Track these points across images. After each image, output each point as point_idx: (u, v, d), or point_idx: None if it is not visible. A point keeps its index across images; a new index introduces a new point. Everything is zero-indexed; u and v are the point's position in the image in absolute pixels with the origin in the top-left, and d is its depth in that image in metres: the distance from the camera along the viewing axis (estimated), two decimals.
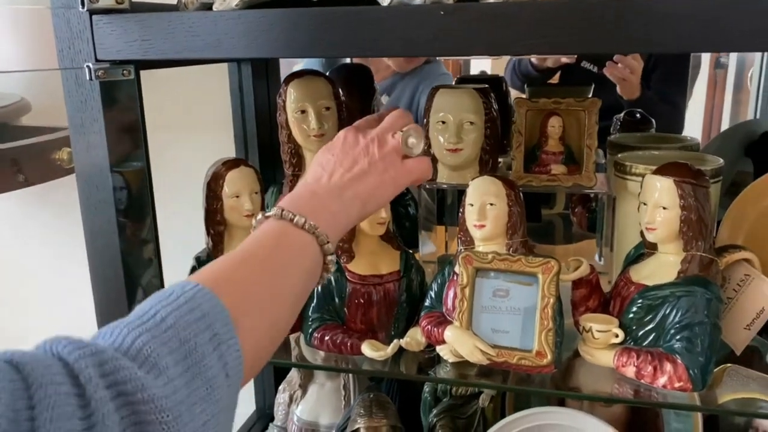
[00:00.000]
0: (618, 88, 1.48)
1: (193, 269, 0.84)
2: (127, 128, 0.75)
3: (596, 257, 1.10)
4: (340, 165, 0.63)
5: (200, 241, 0.87)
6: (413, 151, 0.66)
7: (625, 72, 1.43)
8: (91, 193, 0.74)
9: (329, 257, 0.59)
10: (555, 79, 1.64)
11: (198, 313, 0.45)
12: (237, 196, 0.81)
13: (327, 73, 1.11)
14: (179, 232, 0.96)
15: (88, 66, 0.69)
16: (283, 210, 0.57)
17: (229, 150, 1.11)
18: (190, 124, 1.19)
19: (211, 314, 0.46)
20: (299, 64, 1.48)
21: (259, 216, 0.59)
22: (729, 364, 0.79)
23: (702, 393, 0.71)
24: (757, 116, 1.48)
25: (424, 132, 0.70)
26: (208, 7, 0.72)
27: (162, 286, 0.85)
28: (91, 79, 0.70)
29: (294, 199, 0.60)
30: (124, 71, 0.71)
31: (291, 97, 0.92)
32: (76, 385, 0.37)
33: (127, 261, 0.76)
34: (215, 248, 0.84)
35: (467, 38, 0.59)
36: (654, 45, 0.57)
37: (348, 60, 1.42)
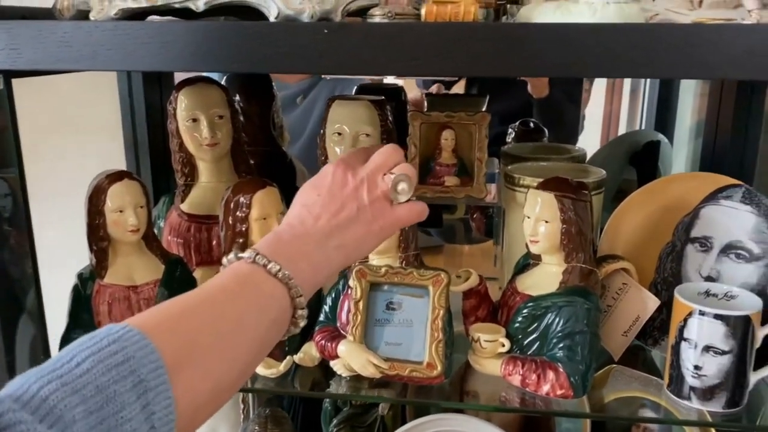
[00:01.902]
0: (528, 86, 1.52)
1: (75, 288, 0.80)
2: None
3: (493, 262, 1.14)
4: (327, 209, 0.57)
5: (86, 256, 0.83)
6: (400, 198, 0.60)
7: None
8: None
9: (300, 311, 0.54)
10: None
11: (121, 356, 0.40)
12: (121, 211, 0.78)
13: (224, 78, 1.09)
14: (62, 246, 0.92)
15: None
16: (257, 253, 0.52)
17: (119, 157, 1.06)
18: (78, 129, 1.14)
19: (137, 358, 0.41)
20: None
21: (231, 255, 0.53)
22: (614, 365, 0.84)
23: (589, 393, 0.75)
24: (643, 126, 1.56)
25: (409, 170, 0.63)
26: (85, 14, 0.69)
27: (40, 304, 0.81)
28: None
29: (272, 241, 0.55)
30: None
31: (182, 105, 0.90)
32: None
33: None
34: (99, 265, 0.80)
35: (351, 58, 0.59)
36: (534, 70, 0.58)
37: None
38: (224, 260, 0.54)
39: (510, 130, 1.25)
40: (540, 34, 0.56)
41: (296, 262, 0.53)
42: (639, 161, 1.18)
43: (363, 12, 0.66)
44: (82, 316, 0.80)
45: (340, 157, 0.64)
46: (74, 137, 1.13)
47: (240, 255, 0.53)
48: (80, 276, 0.81)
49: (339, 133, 0.91)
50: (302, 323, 0.55)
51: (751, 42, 0.53)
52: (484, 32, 0.57)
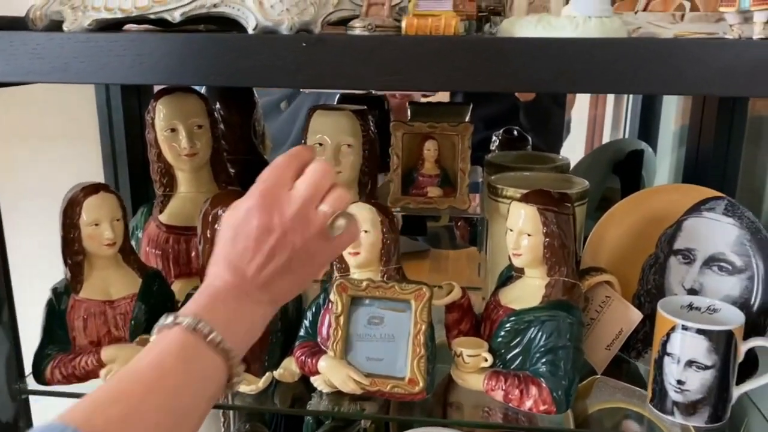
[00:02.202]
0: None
1: (50, 303, 0.78)
2: None
3: (477, 269, 1.13)
4: (254, 262, 0.51)
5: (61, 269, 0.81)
6: (337, 233, 0.54)
7: None
8: None
9: (236, 379, 0.51)
10: None
11: None
12: (96, 224, 0.76)
13: (204, 87, 1.07)
14: (37, 259, 0.90)
15: None
16: (198, 322, 0.48)
17: (96, 167, 1.04)
18: (54, 139, 1.11)
19: None
20: None
21: (168, 320, 0.49)
22: (598, 376, 0.83)
23: (573, 404, 0.74)
24: (626, 135, 1.57)
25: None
26: (59, 24, 0.67)
27: (13, 318, 0.79)
28: None
29: (210, 300, 0.51)
30: None
31: (160, 115, 0.88)
32: None
33: None
34: (74, 279, 0.78)
35: (330, 71, 0.58)
36: (516, 85, 0.58)
37: None
38: (160, 322, 0.50)
39: (494, 138, 1.24)
40: (522, 49, 0.55)
41: (234, 327, 0.50)
42: (623, 170, 1.18)
43: (343, 23, 0.65)
44: (57, 332, 0.79)
45: (260, 187, 0.53)
46: (50, 147, 1.11)
47: (178, 320, 0.49)
48: (54, 290, 0.79)
49: (320, 144, 0.90)
50: (237, 388, 0.52)
51: (735, 58, 0.53)
52: (466, 46, 0.56)
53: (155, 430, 0.44)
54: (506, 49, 0.56)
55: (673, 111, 1.36)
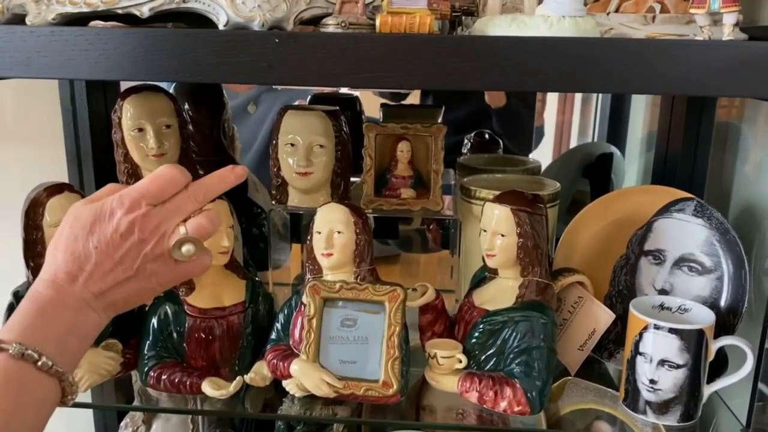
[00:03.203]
0: (486, 96, 1.52)
1: (11, 307, 0.76)
2: None
3: (450, 272, 1.12)
4: (101, 265, 0.50)
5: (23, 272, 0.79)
6: (183, 258, 0.54)
7: None
8: None
9: (70, 396, 0.49)
10: None
11: None
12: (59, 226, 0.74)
13: (172, 86, 1.05)
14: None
15: None
16: (26, 350, 0.46)
17: (60, 168, 1.01)
18: (15, 138, 1.08)
19: None
20: None
21: None
22: (570, 377, 0.83)
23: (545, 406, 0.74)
24: (595, 139, 1.58)
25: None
26: (22, 18, 0.65)
27: None
28: None
29: (36, 316, 0.48)
30: None
31: (127, 114, 0.86)
32: None
33: None
34: None
35: (302, 69, 0.57)
36: (490, 84, 0.57)
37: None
38: None
39: (465, 141, 1.24)
40: (497, 48, 0.55)
41: (66, 342, 0.49)
42: (592, 173, 1.19)
43: (316, 21, 0.64)
44: None
45: (132, 193, 0.53)
46: (11, 146, 1.07)
47: (4, 346, 0.46)
48: (16, 294, 0.77)
49: (292, 144, 0.89)
50: (72, 401, 0.51)
51: (708, 59, 0.53)
52: (440, 44, 0.56)
53: None
54: (481, 48, 0.55)
55: (640, 115, 1.38)
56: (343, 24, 0.60)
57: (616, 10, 0.68)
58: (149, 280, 0.53)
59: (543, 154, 1.75)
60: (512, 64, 0.55)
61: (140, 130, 0.85)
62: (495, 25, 0.59)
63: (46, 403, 0.48)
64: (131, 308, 0.55)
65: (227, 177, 0.57)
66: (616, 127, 1.46)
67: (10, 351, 0.46)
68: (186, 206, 0.54)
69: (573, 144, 2.18)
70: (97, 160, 1.00)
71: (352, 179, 0.96)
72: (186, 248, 0.53)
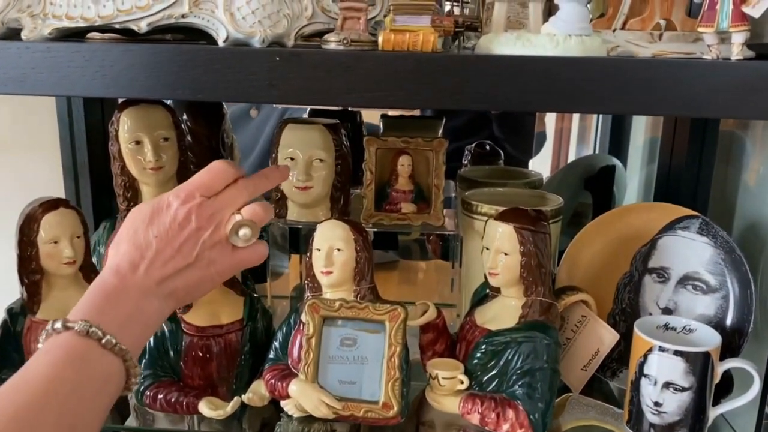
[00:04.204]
0: None
1: (4, 324, 0.74)
2: None
3: (449, 281, 1.11)
4: (161, 254, 0.53)
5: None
6: (240, 244, 0.57)
7: None
8: None
9: (134, 379, 0.50)
10: None
11: None
12: (55, 242, 0.73)
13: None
14: None
15: None
16: (90, 327, 0.47)
17: (57, 181, 1.00)
18: (11, 151, 1.07)
19: None
20: None
21: (58, 324, 0.48)
22: (571, 393, 0.82)
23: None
24: (596, 151, 1.57)
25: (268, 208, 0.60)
26: (17, 33, 0.64)
27: None
28: None
29: (101, 300, 0.50)
30: None
31: (124, 127, 0.84)
32: None
33: None
34: (30, 299, 0.74)
35: (303, 87, 0.56)
36: (496, 103, 0.56)
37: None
38: (43, 333, 0.49)
39: (466, 152, 1.23)
40: (502, 67, 0.54)
41: (129, 327, 0.50)
42: (594, 186, 1.18)
43: (318, 36, 0.63)
44: (11, 355, 0.75)
45: (187, 186, 0.57)
46: (7, 158, 1.06)
47: (69, 324, 0.48)
48: (10, 311, 0.76)
49: (292, 158, 0.87)
50: (135, 386, 0.52)
51: (715, 80, 0.52)
52: (444, 63, 0.55)
53: None
54: (487, 67, 0.54)
55: (642, 127, 1.37)
56: (345, 41, 0.59)
57: (623, 27, 0.67)
58: (208, 269, 0.54)
59: (542, 163, 1.74)
60: (518, 85, 0.54)
61: (138, 143, 0.84)
62: (500, 43, 0.58)
63: (111, 381, 0.48)
64: (192, 300, 0.57)
65: (272, 175, 0.62)
66: (618, 139, 1.45)
67: (76, 328, 0.47)
68: (237, 198, 0.57)
69: (573, 149, 2.18)
70: (94, 173, 0.99)
71: (352, 191, 0.95)
72: (243, 232, 0.56)
